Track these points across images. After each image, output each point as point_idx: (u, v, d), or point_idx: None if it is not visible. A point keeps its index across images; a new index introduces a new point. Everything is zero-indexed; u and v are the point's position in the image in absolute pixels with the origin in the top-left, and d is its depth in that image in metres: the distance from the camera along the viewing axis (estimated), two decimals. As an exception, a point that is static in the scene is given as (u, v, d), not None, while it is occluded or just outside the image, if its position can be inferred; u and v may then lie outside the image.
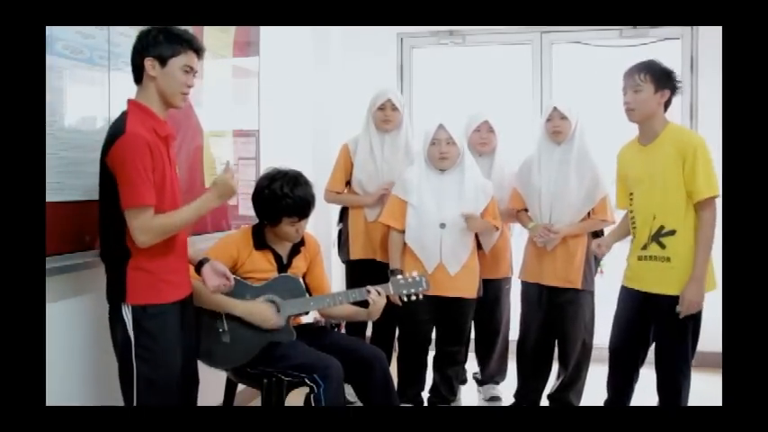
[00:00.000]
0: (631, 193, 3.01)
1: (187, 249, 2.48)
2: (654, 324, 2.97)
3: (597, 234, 3.53)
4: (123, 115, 2.25)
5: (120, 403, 2.34)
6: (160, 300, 2.28)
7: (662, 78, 2.86)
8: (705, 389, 3.97)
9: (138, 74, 2.30)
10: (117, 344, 2.29)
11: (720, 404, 2.26)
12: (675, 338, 2.89)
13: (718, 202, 2.79)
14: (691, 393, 3.01)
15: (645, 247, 2.91)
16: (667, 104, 2.92)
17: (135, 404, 2.26)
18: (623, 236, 3.18)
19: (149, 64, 2.26)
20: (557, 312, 3.47)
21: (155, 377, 2.26)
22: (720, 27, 3.48)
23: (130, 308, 2.24)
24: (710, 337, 4.44)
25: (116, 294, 2.27)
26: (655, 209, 2.88)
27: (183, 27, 2.36)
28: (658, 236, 2.87)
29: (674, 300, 2.85)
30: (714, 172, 2.81)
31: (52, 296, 2.36)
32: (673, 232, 2.84)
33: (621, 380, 3.11)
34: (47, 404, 2.07)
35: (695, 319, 2.88)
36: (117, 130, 2.20)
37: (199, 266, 2.53)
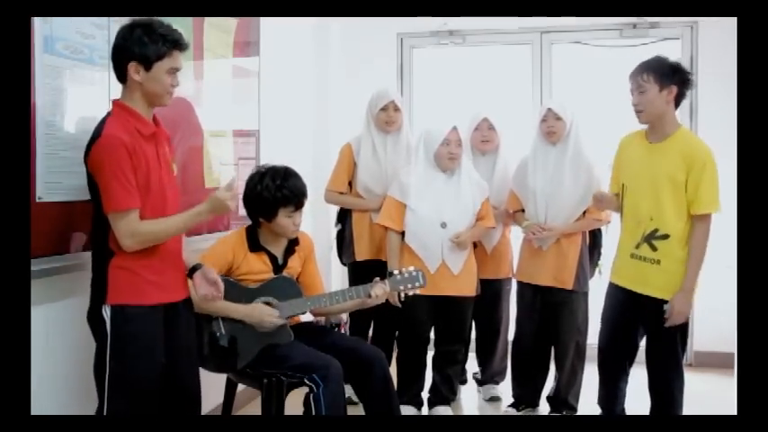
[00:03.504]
0: (623, 184, 3.00)
1: (180, 252, 2.40)
2: (642, 325, 2.97)
3: (593, 234, 3.53)
4: (105, 117, 2.20)
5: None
6: (141, 301, 2.21)
7: (665, 75, 2.82)
8: (705, 389, 3.98)
9: (121, 74, 2.22)
10: (96, 342, 2.23)
11: (725, 410, 2.24)
12: (664, 339, 2.90)
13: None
14: (691, 394, 3.01)
15: (637, 247, 2.91)
16: (678, 100, 2.87)
17: (105, 406, 2.19)
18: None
19: (133, 69, 2.18)
20: (550, 313, 3.47)
21: (127, 379, 2.19)
22: (722, 25, 3.50)
23: (110, 308, 2.18)
24: (709, 337, 4.48)
25: (97, 294, 2.21)
26: (652, 211, 2.87)
27: (168, 22, 2.27)
28: (651, 237, 2.87)
29: (661, 302, 2.85)
30: (719, 188, 2.80)
31: (53, 296, 2.36)
32: (666, 236, 2.84)
33: (611, 378, 3.12)
34: (34, 412, 2.05)
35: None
36: (94, 134, 2.16)
37: (191, 272, 2.45)
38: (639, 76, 2.84)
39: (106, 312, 2.18)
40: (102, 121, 2.19)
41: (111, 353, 2.18)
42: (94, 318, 2.22)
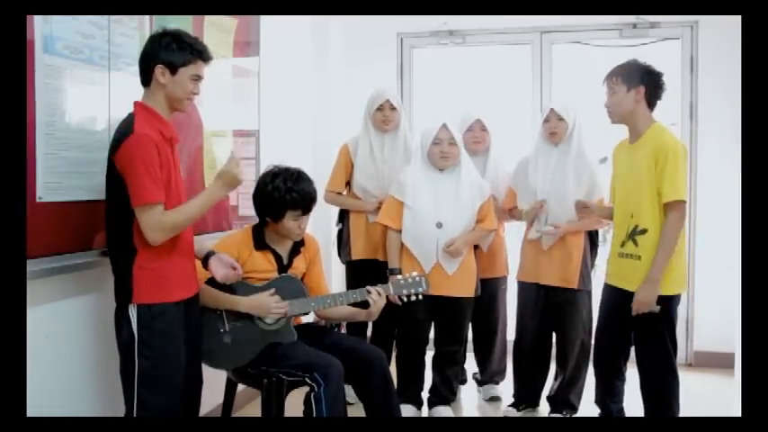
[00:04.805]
0: (614, 188, 3.09)
1: (193, 248, 2.49)
2: (630, 322, 2.98)
3: (592, 236, 3.53)
4: (131, 116, 2.27)
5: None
6: (164, 299, 2.29)
7: (632, 76, 2.91)
8: (705, 389, 3.99)
9: (147, 77, 2.32)
10: (121, 342, 2.30)
11: (725, 410, 2.23)
12: (650, 337, 2.91)
13: (707, 209, 2.80)
14: (691, 394, 3.01)
15: (623, 245, 2.96)
16: (651, 100, 2.93)
17: (135, 404, 2.26)
18: (607, 217, 3.23)
19: (159, 71, 2.28)
20: (554, 312, 3.47)
21: (157, 375, 2.27)
22: (722, 25, 3.48)
23: (136, 307, 2.25)
24: (709, 337, 4.49)
25: (123, 294, 2.28)
26: (632, 207, 2.92)
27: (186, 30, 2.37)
28: (634, 234, 2.91)
29: None
30: (683, 178, 2.84)
31: (53, 296, 2.37)
32: (645, 231, 2.88)
33: (605, 375, 3.13)
34: (36, 412, 2.06)
35: (668, 317, 2.89)
36: (125, 131, 2.22)
37: (205, 260, 2.54)
38: (610, 79, 2.96)
39: (132, 312, 2.25)
40: (130, 121, 2.25)
41: (139, 351, 2.25)
42: (120, 318, 2.29)
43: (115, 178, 2.23)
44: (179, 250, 2.36)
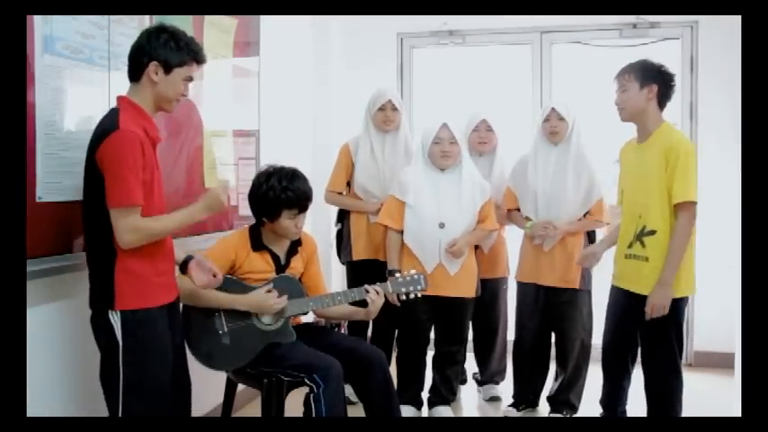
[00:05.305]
0: (622, 190, 3.06)
1: (173, 251, 2.39)
2: (637, 323, 2.97)
3: (590, 235, 3.53)
4: (115, 111, 2.17)
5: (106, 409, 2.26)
6: (149, 303, 2.20)
7: (645, 74, 2.89)
8: (704, 389, 3.99)
9: (137, 72, 2.23)
10: (101, 349, 2.21)
11: (725, 410, 2.23)
12: (657, 338, 2.90)
13: (713, 210, 2.79)
14: (691, 394, 3.01)
15: (630, 246, 2.94)
16: (662, 99, 2.91)
17: (120, 411, 2.16)
18: (614, 243, 3.19)
19: (153, 68, 2.20)
20: (554, 313, 3.47)
21: (142, 383, 2.18)
22: (722, 25, 3.46)
23: (119, 313, 2.15)
24: (709, 337, 4.49)
25: (102, 299, 2.17)
26: (640, 208, 2.90)
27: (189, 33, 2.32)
28: (641, 235, 2.89)
29: None
30: (694, 179, 2.81)
31: (53, 296, 2.36)
32: (653, 232, 2.85)
33: (614, 377, 3.12)
34: (32, 412, 2.05)
35: (675, 319, 2.87)
36: (109, 127, 2.11)
37: (184, 264, 2.43)
38: (622, 77, 2.93)
39: (114, 319, 2.15)
40: (114, 116, 2.15)
41: (124, 359, 2.15)
42: (100, 324, 2.19)
43: (95, 177, 2.12)
44: (161, 253, 2.26)
